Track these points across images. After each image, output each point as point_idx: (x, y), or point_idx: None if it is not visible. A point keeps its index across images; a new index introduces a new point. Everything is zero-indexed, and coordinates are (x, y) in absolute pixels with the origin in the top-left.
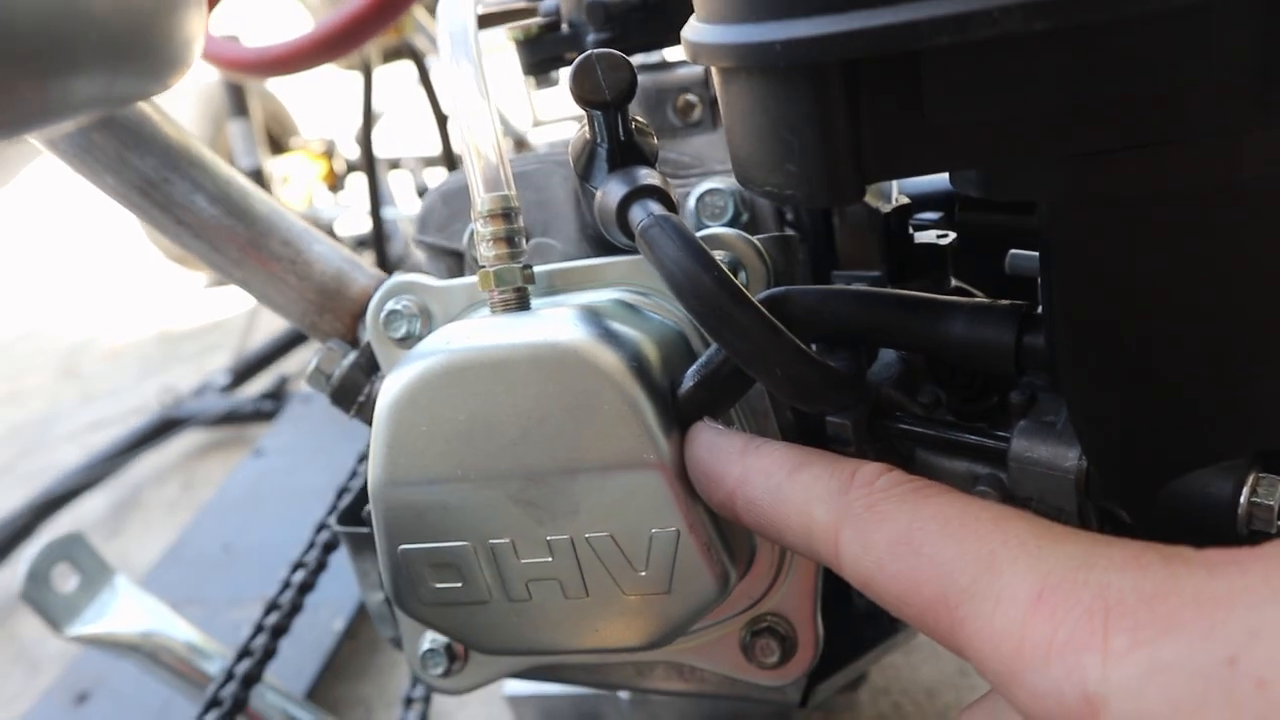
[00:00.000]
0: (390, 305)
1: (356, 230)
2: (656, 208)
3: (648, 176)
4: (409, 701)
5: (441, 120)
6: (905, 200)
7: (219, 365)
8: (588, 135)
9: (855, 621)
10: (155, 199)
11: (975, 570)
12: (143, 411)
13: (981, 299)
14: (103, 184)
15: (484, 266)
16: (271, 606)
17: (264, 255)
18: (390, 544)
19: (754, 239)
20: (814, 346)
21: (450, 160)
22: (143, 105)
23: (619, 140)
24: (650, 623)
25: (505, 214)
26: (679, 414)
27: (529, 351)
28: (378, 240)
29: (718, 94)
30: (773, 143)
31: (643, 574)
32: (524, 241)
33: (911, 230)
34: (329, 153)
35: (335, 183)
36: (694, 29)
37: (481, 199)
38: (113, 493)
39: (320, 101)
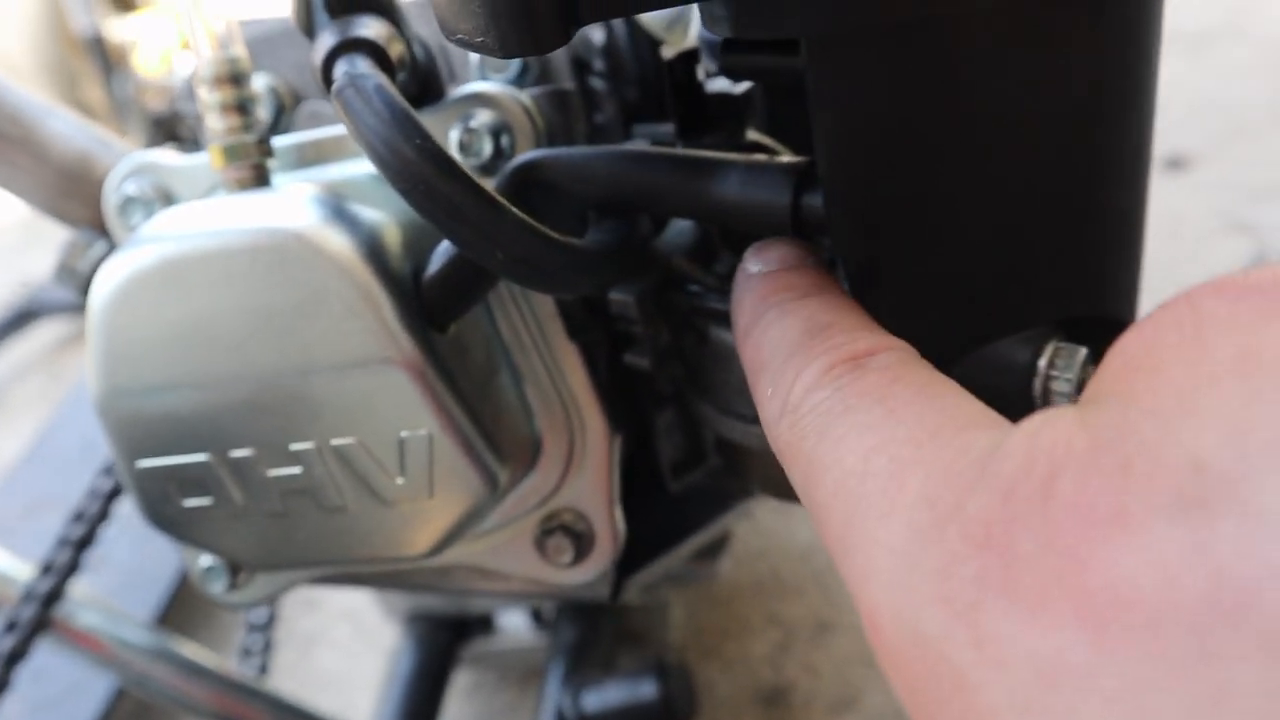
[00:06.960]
0: (126, 189)
1: None
2: (362, 65)
3: (365, 27)
4: None
5: None
6: (693, 45)
7: None
8: None
9: (671, 507)
10: None
11: (849, 519)
12: (1, 303)
13: (759, 156)
14: None
15: (213, 141)
16: (75, 516)
17: None
18: (126, 461)
19: (522, 95)
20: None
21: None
22: None
23: None
24: (419, 531)
25: (234, 78)
26: (424, 304)
27: (248, 240)
28: None
29: None
30: None
31: (400, 481)
32: (259, 109)
33: (705, 78)
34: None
35: None
36: None
37: (204, 60)
38: None
39: None
